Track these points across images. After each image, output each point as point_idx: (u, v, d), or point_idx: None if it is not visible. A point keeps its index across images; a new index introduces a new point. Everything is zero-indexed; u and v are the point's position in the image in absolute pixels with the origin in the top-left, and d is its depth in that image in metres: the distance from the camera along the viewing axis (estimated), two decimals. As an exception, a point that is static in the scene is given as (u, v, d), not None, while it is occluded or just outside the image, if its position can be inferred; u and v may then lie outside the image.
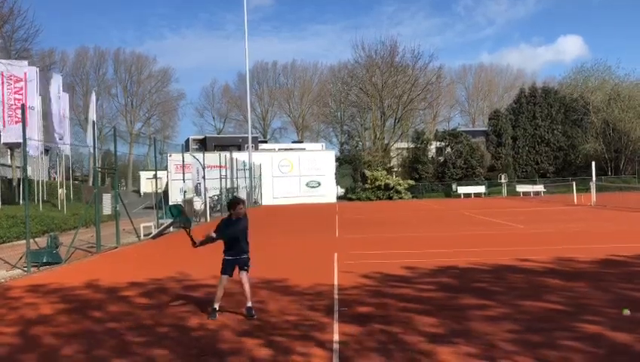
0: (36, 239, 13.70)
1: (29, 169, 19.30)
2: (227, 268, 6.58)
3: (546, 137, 56.02)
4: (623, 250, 11.22)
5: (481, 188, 50.43)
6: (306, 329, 5.97)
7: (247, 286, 6.50)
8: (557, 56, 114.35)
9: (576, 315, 6.26)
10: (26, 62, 25.07)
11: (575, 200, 31.66)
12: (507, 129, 56.35)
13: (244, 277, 6.54)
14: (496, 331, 5.67)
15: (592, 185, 30.49)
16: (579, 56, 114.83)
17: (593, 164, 32.56)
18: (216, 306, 6.59)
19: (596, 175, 32.39)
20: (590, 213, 23.72)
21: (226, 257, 6.62)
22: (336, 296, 7.62)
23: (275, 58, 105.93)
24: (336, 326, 6.01)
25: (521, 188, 48.84)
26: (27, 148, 13.99)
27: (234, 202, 6.73)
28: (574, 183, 34.63)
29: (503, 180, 50.68)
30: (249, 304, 6.52)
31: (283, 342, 5.51)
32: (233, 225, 6.61)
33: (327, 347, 5.29)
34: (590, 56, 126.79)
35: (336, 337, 5.61)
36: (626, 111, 54.07)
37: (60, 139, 27.40)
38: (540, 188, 48.71)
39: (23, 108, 13.96)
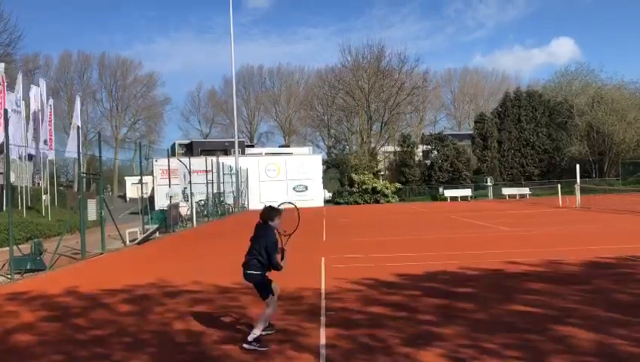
0: (20, 246, 13.49)
1: (12, 175, 19.05)
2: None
3: (531, 140, 56.47)
4: (607, 252, 11.32)
5: (468, 192, 50.65)
6: (292, 334, 5.94)
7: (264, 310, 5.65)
8: (550, 59, 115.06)
9: (562, 318, 6.29)
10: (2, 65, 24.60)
11: (560, 203, 31.93)
12: (493, 132, 56.71)
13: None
14: (482, 335, 5.68)
15: (577, 188, 30.78)
16: (571, 58, 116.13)
17: (577, 166, 32.86)
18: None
19: (581, 177, 32.69)
20: (575, 215, 23.93)
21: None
22: (323, 301, 7.60)
23: (264, 62, 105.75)
24: (322, 331, 5.98)
25: (506, 191, 49.11)
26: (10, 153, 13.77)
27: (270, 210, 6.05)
28: (559, 186, 34.94)
29: (488, 183, 50.99)
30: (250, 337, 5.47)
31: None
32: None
33: (313, 351, 5.26)
34: (582, 59, 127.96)
35: (322, 341, 5.58)
36: (609, 114, 54.65)
37: (44, 144, 27.09)
38: (525, 190, 49.08)
39: (6, 112, 13.81)
